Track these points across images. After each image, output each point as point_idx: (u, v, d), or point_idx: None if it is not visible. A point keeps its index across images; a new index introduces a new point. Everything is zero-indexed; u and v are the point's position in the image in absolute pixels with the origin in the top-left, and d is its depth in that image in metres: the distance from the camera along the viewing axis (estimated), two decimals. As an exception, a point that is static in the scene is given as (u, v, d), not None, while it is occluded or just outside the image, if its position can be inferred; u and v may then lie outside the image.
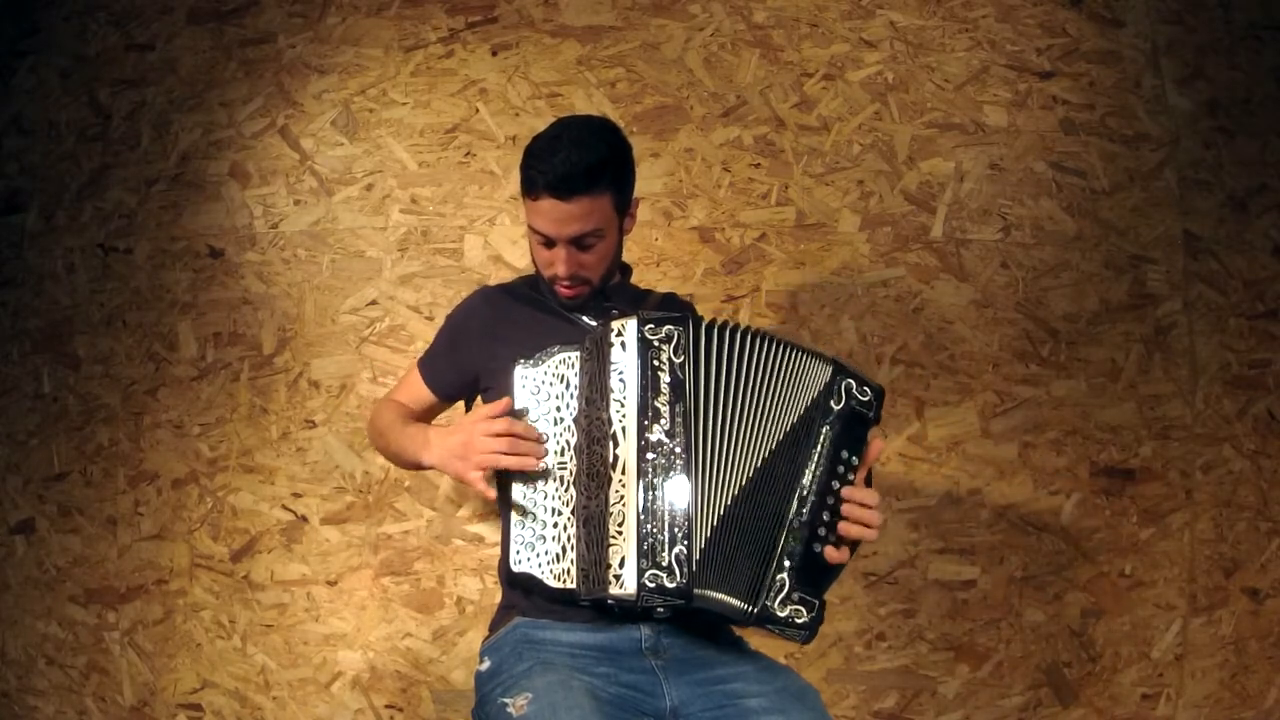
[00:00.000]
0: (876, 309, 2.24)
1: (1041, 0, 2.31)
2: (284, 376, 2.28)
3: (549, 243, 1.49)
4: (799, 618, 1.30)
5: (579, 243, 1.47)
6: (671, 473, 1.27)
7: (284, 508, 2.25)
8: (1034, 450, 2.21)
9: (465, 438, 1.37)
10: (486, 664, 1.42)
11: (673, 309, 1.68)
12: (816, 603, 1.31)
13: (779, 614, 1.29)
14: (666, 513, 1.26)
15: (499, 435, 1.35)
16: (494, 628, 1.48)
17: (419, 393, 1.65)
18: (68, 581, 2.30)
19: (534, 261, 1.57)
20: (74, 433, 2.33)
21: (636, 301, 1.64)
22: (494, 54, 2.33)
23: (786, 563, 1.30)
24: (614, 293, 1.61)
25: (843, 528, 1.34)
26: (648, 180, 2.26)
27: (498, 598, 1.56)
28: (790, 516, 1.31)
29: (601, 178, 1.45)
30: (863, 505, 1.34)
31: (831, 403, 1.35)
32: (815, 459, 1.33)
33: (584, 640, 1.36)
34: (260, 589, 2.24)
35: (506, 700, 1.28)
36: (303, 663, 2.22)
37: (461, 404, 1.69)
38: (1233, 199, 2.29)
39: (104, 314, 2.34)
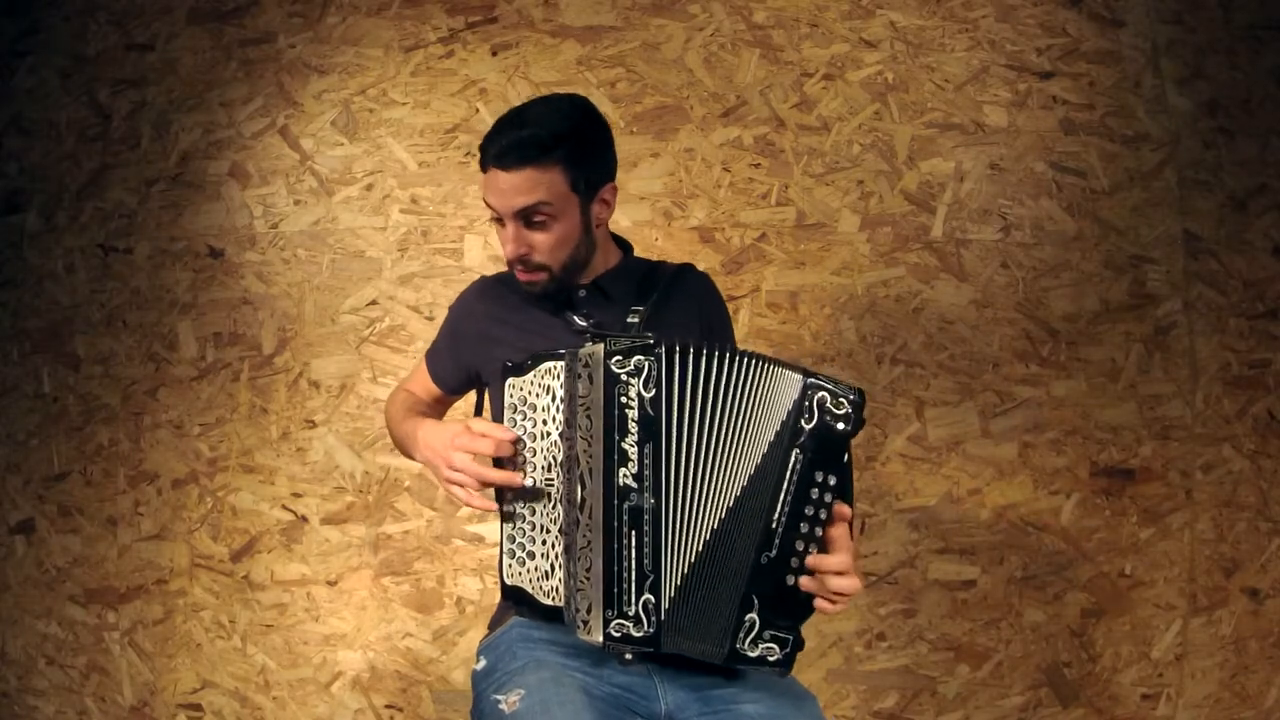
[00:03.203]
0: (876, 309, 2.24)
1: (1041, 0, 2.31)
2: (284, 376, 2.28)
3: (500, 220, 1.43)
4: (771, 655, 1.24)
5: (526, 220, 1.41)
6: (640, 518, 1.20)
7: (284, 508, 2.25)
8: (1034, 450, 2.21)
9: (444, 454, 1.34)
10: (482, 663, 1.41)
11: (683, 287, 1.60)
12: (790, 638, 1.24)
13: (749, 654, 1.24)
14: (633, 560, 1.20)
15: (471, 454, 1.32)
16: (493, 626, 1.47)
17: (427, 385, 1.63)
18: (68, 581, 2.30)
19: None
20: (74, 433, 2.33)
21: (646, 276, 1.56)
22: (494, 54, 2.33)
23: (755, 601, 1.23)
24: (608, 282, 1.53)
25: (806, 585, 1.25)
26: (648, 180, 2.26)
27: (498, 598, 1.55)
28: (758, 553, 1.23)
29: (550, 151, 1.38)
30: (836, 574, 1.23)
31: (802, 422, 1.24)
32: (786, 489, 1.23)
33: (580, 640, 1.36)
34: (260, 589, 2.24)
35: (499, 697, 1.28)
36: (303, 663, 2.22)
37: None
38: (1233, 199, 2.29)
39: (104, 314, 2.34)
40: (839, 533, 1.26)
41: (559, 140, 1.39)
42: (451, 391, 1.63)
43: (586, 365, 1.23)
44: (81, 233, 2.38)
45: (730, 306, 2.23)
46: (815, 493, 1.24)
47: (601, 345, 1.22)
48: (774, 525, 1.24)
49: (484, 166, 1.42)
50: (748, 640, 1.24)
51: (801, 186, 2.27)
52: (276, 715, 2.22)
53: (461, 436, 1.33)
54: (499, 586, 1.52)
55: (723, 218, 2.27)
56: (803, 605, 1.25)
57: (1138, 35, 2.31)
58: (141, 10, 2.42)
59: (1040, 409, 2.22)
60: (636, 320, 1.47)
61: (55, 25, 2.45)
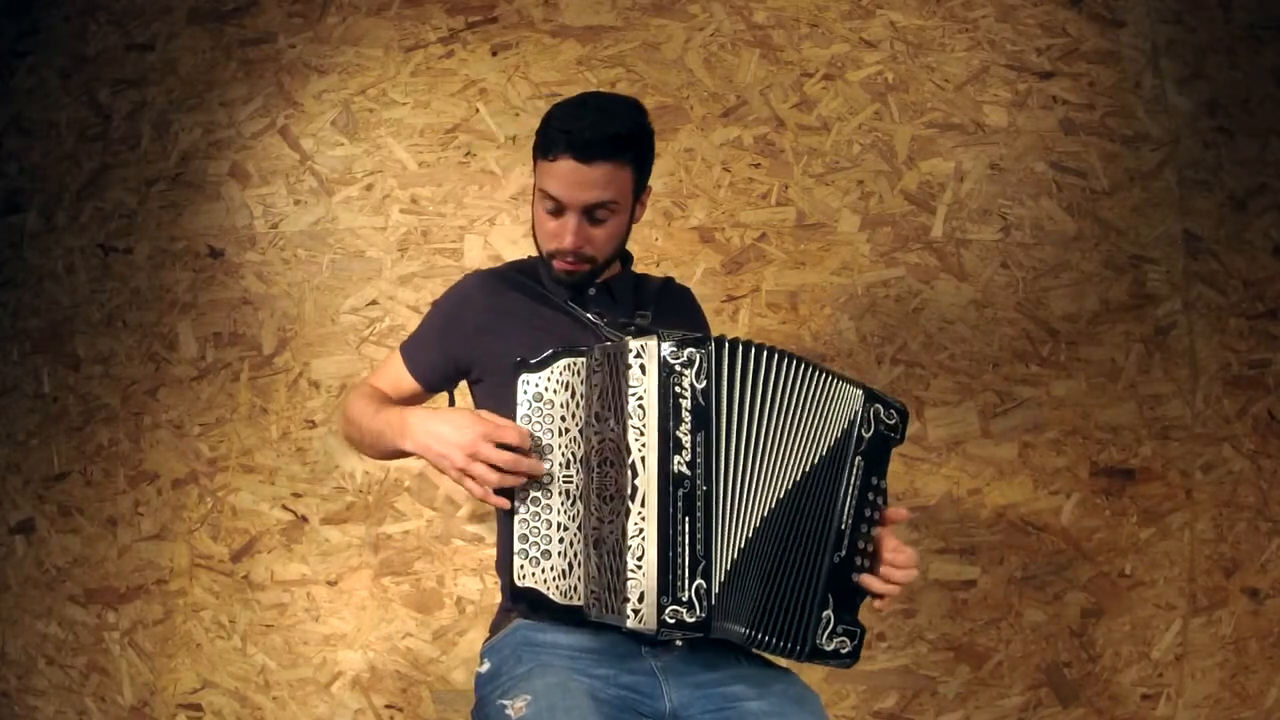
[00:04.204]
0: (876, 309, 2.24)
1: (1041, 0, 2.31)
2: (284, 376, 2.28)
3: (558, 210, 1.42)
4: (844, 648, 1.33)
5: (590, 214, 1.42)
6: (694, 505, 1.23)
7: (284, 508, 2.25)
8: (1034, 450, 2.21)
9: (465, 441, 1.30)
10: (486, 666, 1.41)
11: (672, 298, 1.65)
12: (858, 630, 1.34)
13: (826, 649, 1.32)
14: (686, 547, 1.23)
15: (501, 449, 1.29)
16: (494, 629, 1.47)
17: (400, 380, 1.58)
18: (68, 581, 2.30)
19: (534, 237, 1.50)
20: (74, 433, 2.33)
21: (637, 289, 1.60)
22: (494, 54, 2.33)
23: (831, 599, 1.32)
24: (615, 284, 1.56)
25: (869, 582, 1.35)
26: (648, 180, 2.26)
27: (498, 598, 1.55)
28: (830, 553, 1.32)
29: (627, 148, 1.41)
30: (901, 568, 1.35)
31: (862, 431, 1.34)
32: (850, 492, 1.33)
33: (584, 642, 1.36)
34: (260, 589, 2.24)
35: (505, 702, 1.27)
36: (303, 663, 2.22)
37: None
38: (1233, 199, 2.29)
39: (104, 314, 2.34)
40: (886, 531, 1.38)
41: (633, 139, 1.42)
42: (431, 388, 1.59)
43: (639, 356, 1.25)
44: (81, 233, 2.38)
45: (730, 306, 2.24)
46: (871, 495, 1.35)
47: (655, 337, 1.26)
48: (843, 527, 1.33)
49: (550, 153, 1.40)
50: (824, 635, 1.32)
51: (801, 186, 2.27)
52: (276, 715, 2.22)
53: (481, 425, 1.31)
54: (501, 589, 1.51)
55: (723, 218, 2.27)
56: (861, 598, 1.36)
57: (1138, 35, 2.31)
58: (141, 10, 2.42)
59: (1040, 409, 2.22)
60: (645, 322, 1.48)
61: (55, 25, 2.45)
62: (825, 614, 1.31)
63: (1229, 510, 2.22)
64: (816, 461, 1.32)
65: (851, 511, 1.33)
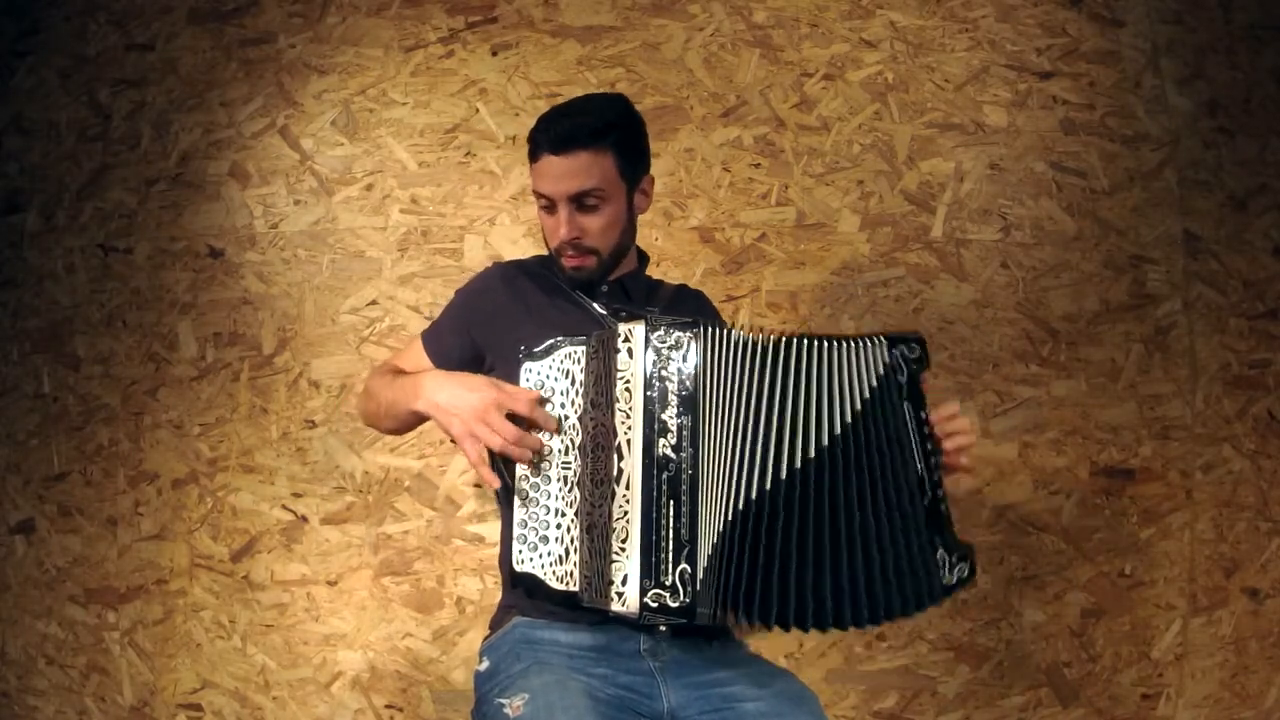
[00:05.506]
0: (876, 309, 2.24)
1: (1041, 0, 2.31)
2: (284, 376, 2.28)
3: (550, 206, 1.48)
4: (964, 572, 1.35)
5: (579, 203, 1.46)
6: (679, 488, 1.23)
7: (284, 508, 2.25)
8: (1034, 450, 2.21)
9: (476, 404, 1.33)
10: (485, 664, 1.42)
11: (686, 301, 1.67)
12: (968, 549, 1.36)
13: (952, 583, 1.34)
14: (670, 530, 1.22)
15: (512, 417, 1.32)
16: (494, 627, 1.48)
17: (419, 366, 1.59)
18: (68, 581, 2.30)
19: (545, 240, 1.55)
20: (74, 433, 2.33)
21: (650, 292, 1.62)
22: (494, 54, 2.33)
23: (939, 539, 1.33)
24: (629, 282, 1.58)
25: (950, 460, 1.38)
26: (647, 180, 2.26)
27: (498, 597, 1.55)
28: (920, 501, 1.33)
29: (603, 137, 1.45)
30: (956, 429, 1.39)
31: (900, 378, 1.35)
32: (913, 438, 1.35)
33: (583, 641, 1.36)
34: (260, 589, 2.24)
35: (503, 700, 1.28)
36: (303, 663, 2.22)
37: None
38: (1233, 199, 2.29)
39: (104, 314, 2.34)
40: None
41: (611, 127, 1.46)
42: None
43: (627, 340, 1.27)
44: (81, 233, 2.38)
45: (730, 306, 2.24)
46: (926, 429, 1.36)
47: (644, 321, 1.27)
48: (921, 473, 1.34)
49: (535, 156, 1.47)
50: (946, 571, 1.34)
51: (801, 186, 2.27)
52: (276, 715, 2.22)
53: (495, 392, 1.34)
54: (501, 579, 1.52)
55: (723, 218, 2.27)
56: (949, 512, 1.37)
57: (1138, 35, 2.31)
58: (141, 10, 2.42)
59: (1040, 409, 2.22)
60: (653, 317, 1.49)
61: (55, 25, 2.45)
62: (940, 554, 1.33)
63: (1229, 510, 2.22)
64: (840, 430, 1.31)
65: (921, 453, 1.34)
